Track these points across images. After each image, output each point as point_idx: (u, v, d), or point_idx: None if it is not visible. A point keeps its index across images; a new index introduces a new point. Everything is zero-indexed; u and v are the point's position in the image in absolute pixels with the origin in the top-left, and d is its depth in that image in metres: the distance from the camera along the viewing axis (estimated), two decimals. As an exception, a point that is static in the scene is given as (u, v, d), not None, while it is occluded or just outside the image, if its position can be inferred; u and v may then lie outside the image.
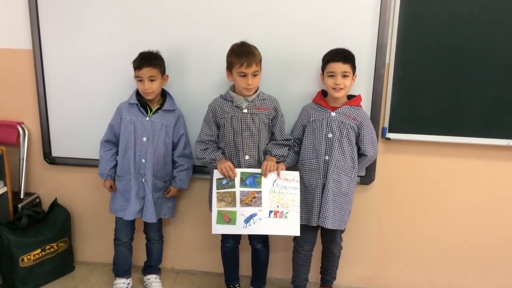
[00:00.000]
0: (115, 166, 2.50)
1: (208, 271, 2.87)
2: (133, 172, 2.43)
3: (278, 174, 2.30)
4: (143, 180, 2.44)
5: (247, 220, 2.27)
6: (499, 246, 2.62)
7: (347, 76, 2.21)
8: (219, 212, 2.30)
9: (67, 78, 2.63)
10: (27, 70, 2.67)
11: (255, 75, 2.23)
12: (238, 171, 2.30)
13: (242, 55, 2.20)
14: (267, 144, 2.36)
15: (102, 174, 2.51)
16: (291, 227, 2.28)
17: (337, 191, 2.29)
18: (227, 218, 2.29)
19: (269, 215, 2.27)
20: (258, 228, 2.27)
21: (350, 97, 2.34)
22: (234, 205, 2.28)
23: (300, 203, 2.30)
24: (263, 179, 2.29)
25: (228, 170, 2.28)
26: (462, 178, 2.55)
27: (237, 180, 2.29)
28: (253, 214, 2.27)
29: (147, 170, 2.42)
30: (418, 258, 2.70)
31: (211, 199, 2.33)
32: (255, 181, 2.29)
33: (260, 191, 2.28)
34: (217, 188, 2.31)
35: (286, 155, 2.37)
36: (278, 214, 2.27)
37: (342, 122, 2.27)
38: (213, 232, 2.31)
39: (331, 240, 2.46)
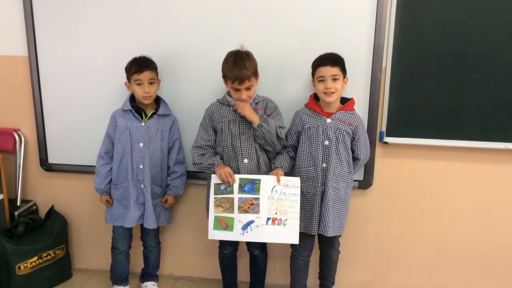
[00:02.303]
0: (111, 180, 2.49)
1: (206, 277, 2.85)
2: (131, 179, 2.41)
3: (278, 180, 2.28)
4: (142, 186, 2.43)
5: (244, 227, 2.25)
6: (499, 249, 2.60)
7: (337, 79, 2.20)
8: (216, 218, 2.28)
9: (63, 85, 2.62)
10: (23, 77, 2.66)
11: (249, 89, 2.21)
12: (237, 177, 2.28)
13: (234, 71, 2.16)
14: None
15: (98, 189, 2.49)
16: (289, 235, 2.25)
17: (336, 198, 2.27)
18: (225, 224, 2.27)
19: (267, 222, 2.25)
20: (255, 235, 2.26)
21: (343, 100, 2.33)
22: (232, 211, 2.27)
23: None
24: (262, 185, 2.27)
25: (227, 175, 2.26)
26: (460, 181, 2.54)
27: (236, 186, 2.28)
28: (250, 221, 2.25)
29: (145, 176, 2.41)
30: (418, 262, 2.68)
31: (209, 204, 2.32)
32: (253, 187, 2.27)
33: (258, 198, 2.26)
34: (215, 193, 2.30)
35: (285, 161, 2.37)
36: (276, 222, 2.25)
37: (338, 128, 2.26)
38: (210, 237, 2.30)
39: (329, 246, 2.45)
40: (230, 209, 2.27)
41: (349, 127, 2.27)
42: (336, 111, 2.28)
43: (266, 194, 2.27)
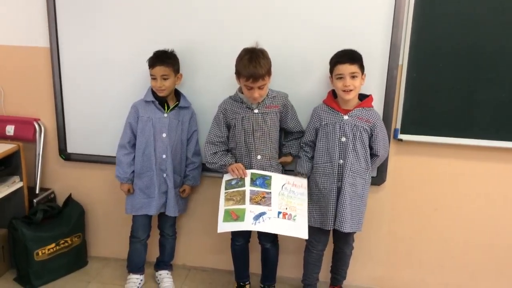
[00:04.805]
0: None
1: (219, 268, 2.89)
2: (155, 168, 2.46)
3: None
4: (164, 175, 2.48)
5: (256, 217, 2.22)
6: (510, 248, 2.61)
7: (356, 76, 2.19)
8: (226, 211, 2.27)
9: (83, 76, 2.67)
10: (44, 68, 2.71)
11: (261, 88, 2.22)
12: (249, 172, 2.32)
13: (249, 69, 2.16)
14: (280, 142, 2.42)
15: (121, 178, 2.52)
16: (300, 229, 2.26)
17: (353, 194, 2.28)
18: (235, 216, 2.25)
19: (278, 215, 2.25)
20: (267, 226, 2.22)
21: (361, 97, 2.32)
22: (243, 203, 2.26)
23: (313, 206, 2.32)
24: (272, 181, 2.31)
25: (239, 169, 2.30)
26: (474, 180, 2.54)
27: (248, 180, 2.30)
28: (262, 212, 2.23)
29: (168, 165, 2.47)
30: (429, 260, 2.70)
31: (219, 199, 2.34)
32: (265, 182, 2.30)
33: (270, 192, 2.28)
34: (226, 189, 2.33)
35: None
36: (286, 216, 2.26)
37: (355, 125, 2.26)
38: (219, 230, 2.25)
39: (344, 241, 2.47)
40: (241, 201, 2.27)
41: (366, 124, 2.26)
42: (354, 108, 2.28)
43: (277, 190, 2.30)
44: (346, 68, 2.19)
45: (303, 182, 2.35)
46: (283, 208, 2.27)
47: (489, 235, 2.61)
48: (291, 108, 2.40)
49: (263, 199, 2.27)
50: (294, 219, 2.27)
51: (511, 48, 2.31)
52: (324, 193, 2.31)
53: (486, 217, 2.59)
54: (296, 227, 2.26)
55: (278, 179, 2.32)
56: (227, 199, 2.31)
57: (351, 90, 2.20)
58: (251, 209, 2.24)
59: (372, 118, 2.28)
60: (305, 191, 2.31)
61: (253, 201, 2.26)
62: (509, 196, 2.54)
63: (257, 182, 2.30)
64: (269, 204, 2.26)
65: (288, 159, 2.47)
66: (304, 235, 2.28)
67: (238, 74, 2.24)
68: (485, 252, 2.64)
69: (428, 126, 2.47)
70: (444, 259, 2.68)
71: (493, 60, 2.34)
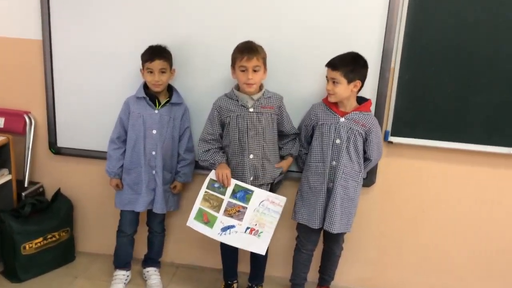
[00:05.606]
0: (123, 165, 2.53)
1: (207, 266, 2.89)
2: (144, 165, 2.46)
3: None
4: (154, 172, 2.47)
5: (224, 229, 2.31)
6: (498, 252, 2.64)
7: (338, 83, 2.19)
8: (200, 210, 2.33)
9: (75, 70, 2.66)
10: (36, 61, 2.69)
11: (255, 71, 2.23)
12: (233, 182, 2.33)
13: (243, 50, 2.22)
14: (272, 142, 2.41)
15: (109, 172, 2.52)
16: (260, 245, 2.33)
17: (344, 196, 2.29)
18: (206, 219, 2.32)
19: (246, 230, 2.31)
20: (231, 239, 2.32)
21: (361, 100, 2.32)
22: (218, 211, 2.33)
23: (302, 203, 2.36)
24: (253, 196, 2.32)
25: (224, 178, 2.31)
26: (462, 184, 2.57)
27: (229, 190, 2.33)
28: (231, 226, 2.31)
29: (157, 162, 2.46)
30: (417, 261, 2.72)
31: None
32: (245, 196, 2.32)
33: (246, 207, 2.32)
34: (207, 188, 2.36)
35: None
36: (253, 232, 2.31)
37: (350, 128, 2.26)
38: (188, 224, 2.36)
39: (334, 241, 2.48)
40: (217, 208, 2.33)
41: (362, 128, 2.26)
42: (352, 111, 2.28)
43: (254, 205, 2.32)
44: (329, 73, 2.23)
45: (282, 200, 2.35)
46: (253, 224, 2.32)
47: (477, 238, 2.64)
48: (285, 110, 2.41)
49: (237, 213, 2.32)
50: (259, 236, 2.32)
51: (503, 53, 2.34)
52: (314, 192, 2.32)
53: (474, 220, 2.61)
54: (257, 243, 2.32)
55: (259, 195, 2.33)
56: (204, 199, 2.35)
57: (331, 94, 2.23)
58: (222, 220, 2.32)
59: (368, 122, 2.28)
60: (280, 210, 2.35)
61: (227, 213, 2.32)
62: (497, 200, 2.57)
63: (238, 195, 2.33)
64: (241, 219, 2.32)
65: (289, 161, 2.49)
66: (263, 251, 2.33)
67: (234, 60, 2.26)
68: (472, 255, 2.66)
69: (419, 129, 2.49)
70: (431, 261, 2.71)
71: (485, 64, 2.36)
